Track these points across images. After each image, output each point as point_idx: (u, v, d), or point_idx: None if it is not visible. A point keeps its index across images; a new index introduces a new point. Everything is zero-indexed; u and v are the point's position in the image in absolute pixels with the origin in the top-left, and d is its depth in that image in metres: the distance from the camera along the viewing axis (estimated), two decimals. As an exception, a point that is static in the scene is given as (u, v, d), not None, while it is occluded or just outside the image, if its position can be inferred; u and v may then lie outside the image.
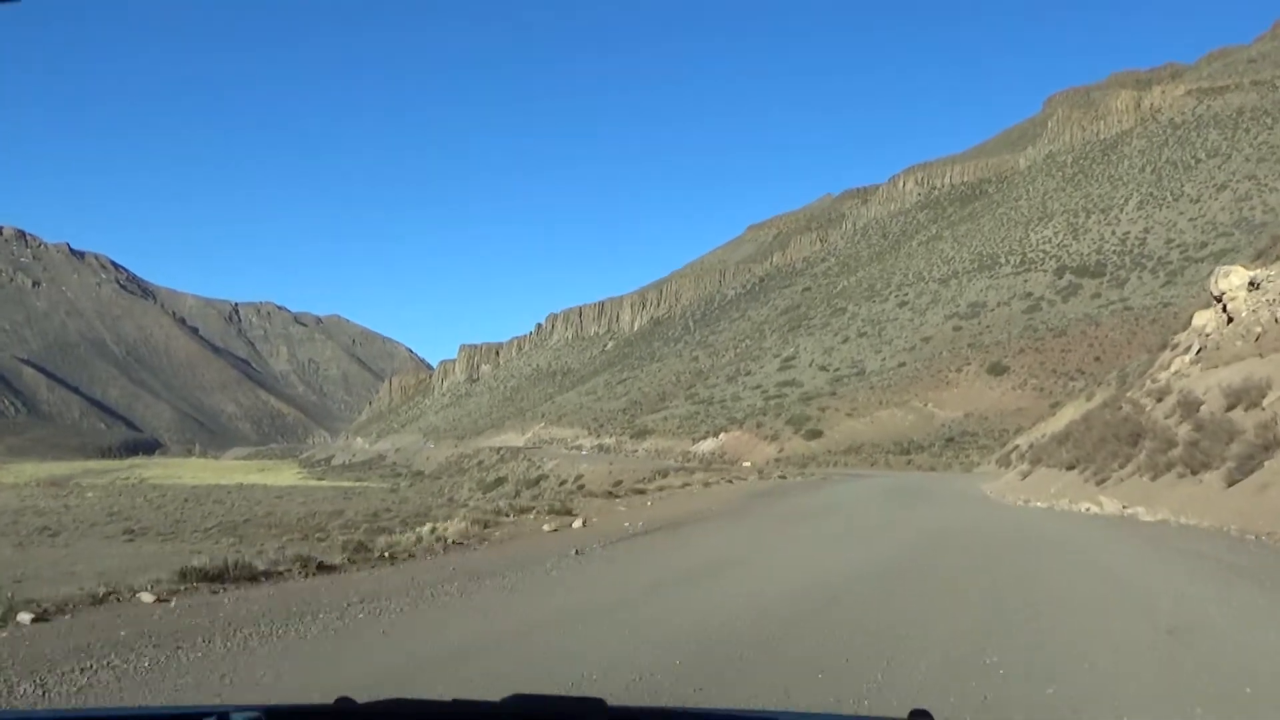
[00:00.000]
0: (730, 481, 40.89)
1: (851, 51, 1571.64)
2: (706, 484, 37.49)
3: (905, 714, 1.79)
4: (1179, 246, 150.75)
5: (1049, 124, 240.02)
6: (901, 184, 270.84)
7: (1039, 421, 62.88)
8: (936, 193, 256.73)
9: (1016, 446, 55.21)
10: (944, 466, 75.41)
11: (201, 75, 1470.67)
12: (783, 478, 49.45)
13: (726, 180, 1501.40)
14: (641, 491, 32.18)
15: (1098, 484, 22.25)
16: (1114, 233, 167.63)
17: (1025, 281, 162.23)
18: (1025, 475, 33.79)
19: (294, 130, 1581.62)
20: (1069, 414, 51.40)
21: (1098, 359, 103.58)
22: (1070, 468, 26.20)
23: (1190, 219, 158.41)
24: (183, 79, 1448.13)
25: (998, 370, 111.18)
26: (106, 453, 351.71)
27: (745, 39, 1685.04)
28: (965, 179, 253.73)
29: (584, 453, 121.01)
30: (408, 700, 1.90)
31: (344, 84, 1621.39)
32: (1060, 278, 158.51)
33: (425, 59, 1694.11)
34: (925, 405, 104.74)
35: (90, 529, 54.47)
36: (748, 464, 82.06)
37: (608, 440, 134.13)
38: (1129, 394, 26.77)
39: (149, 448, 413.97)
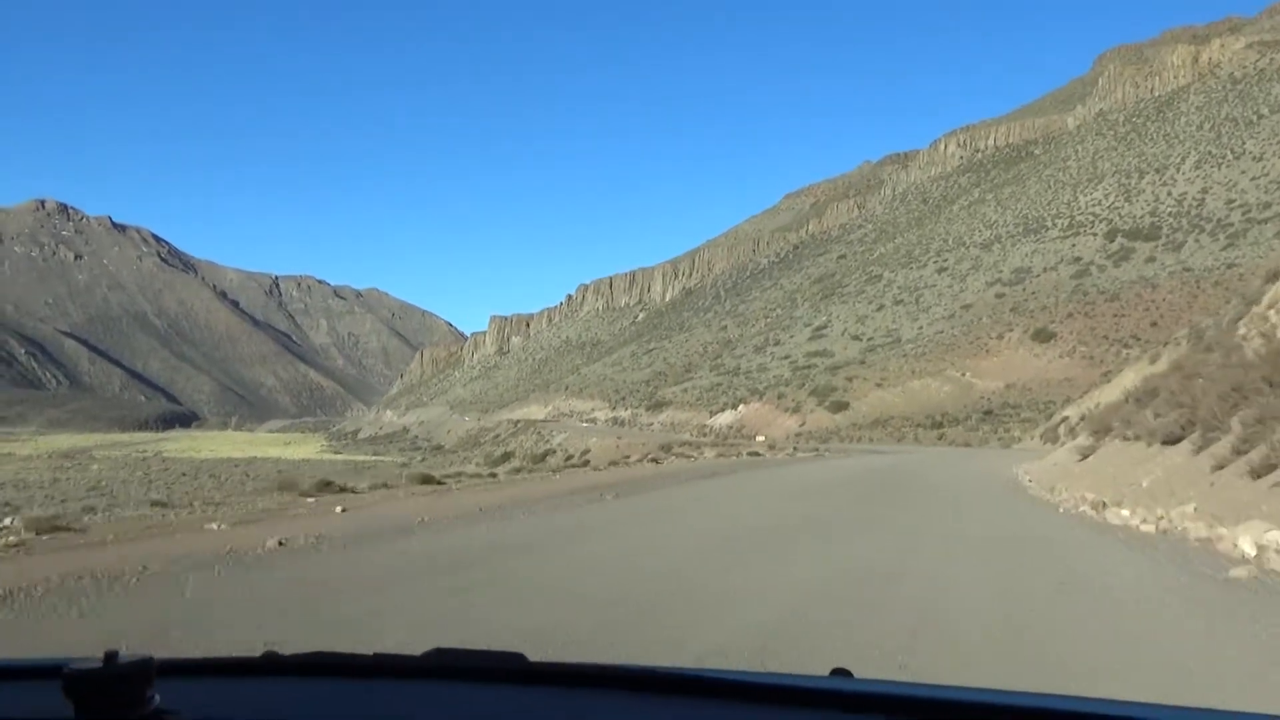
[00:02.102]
0: (654, 461, 33.50)
1: (893, 15, 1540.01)
2: (615, 461, 30.15)
3: (826, 672, 1.80)
4: (1241, 207, 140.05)
5: (1099, 82, 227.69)
6: (943, 147, 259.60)
7: (1091, 390, 54.65)
8: (980, 155, 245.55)
9: (1065, 419, 47.25)
10: (980, 441, 67.52)
11: (241, 50, 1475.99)
12: (755, 455, 41.45)
13: (764, 149, 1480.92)
14: (436, 482, 22.70)
15: (1259, 477, 11.71)
16: (1170, 193, 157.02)
17: (1073, 246, 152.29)
18: (1086, 454, 23.81)
19: (333, 105, 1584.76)
20: (1128, 380, 43.37)
21: (1154, 324, 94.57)
22: (1172, 441, 16.02)
23: (1253, 178, 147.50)
24: (223, 54, 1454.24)
25: (1043, 336, 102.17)
26: (144, 425, 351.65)
27: (783, 6, 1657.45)
28: (1010, 141, 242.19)
29: (596, 425, 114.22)
30: (330, 653, 1.91)
31: (380, 61, 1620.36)
32: (1111, 241, 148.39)
33: (456, 32, 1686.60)
34: (962, 375, 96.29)
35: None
36: (761, 438, 74.90)
37: (623, 413, 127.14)
38: (1239, 333, 18.12)
39: (186, 420, 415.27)
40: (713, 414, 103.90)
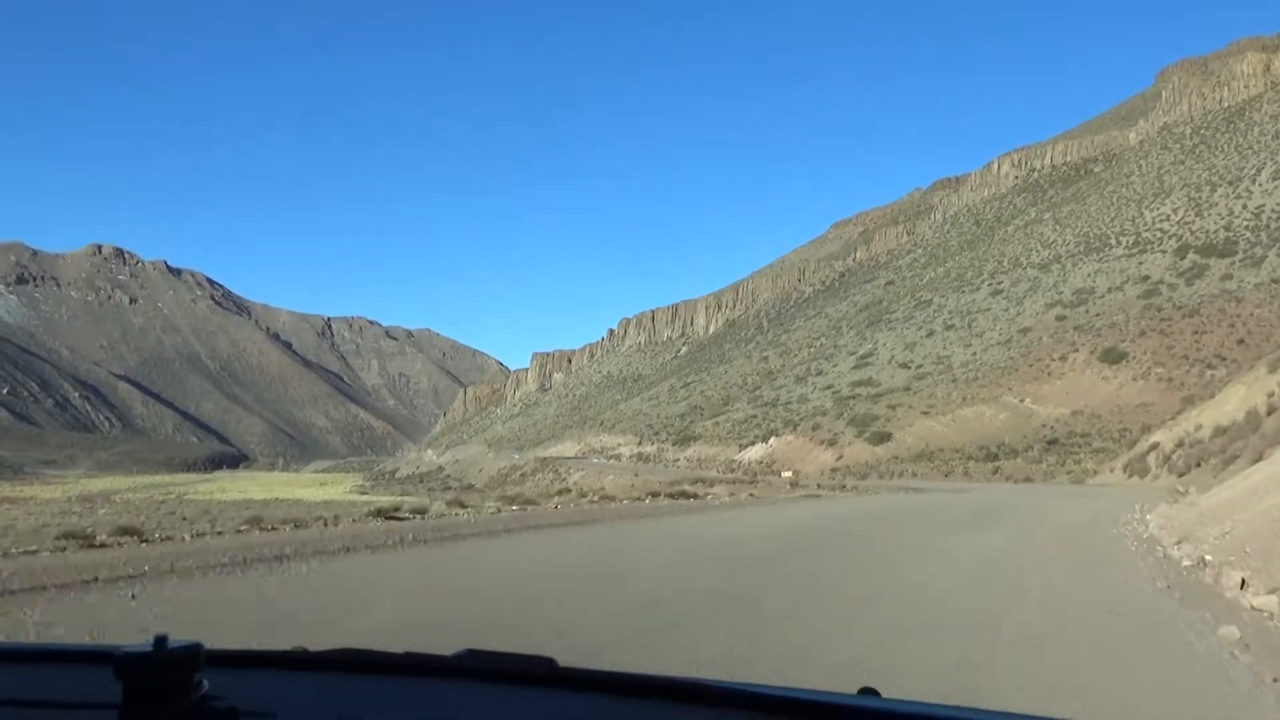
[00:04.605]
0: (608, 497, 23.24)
1: (941, 41, 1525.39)
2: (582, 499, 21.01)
3: (854, 690, 1.84)
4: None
5: (1163, 95, 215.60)
6: (996, 168, 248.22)
7: (1184, 413, 44.40)
8: (1036, 175, 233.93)
9: (1155, 446, 37.39)
10: (1044, 476, 57.22)
11: (293, 98, 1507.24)
12: (689, 496, 28.28)
13: (812, 180, 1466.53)
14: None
15: None
16: (1245, 206, 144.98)
17: (1140, 264, 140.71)
18: None
19: (383, 146, 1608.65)
20: (1238, 395, 33.57)
21: (1241, 342, 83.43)
22: None
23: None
24: (276, 101, 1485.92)
25: (1113, 357, 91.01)
26: (192, 466, 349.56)
27: (833, 38, 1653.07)
28: (1068, 159, 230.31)
29: (621, 462, 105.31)
30: (361, 650, 1.96)
31: (427, 108, 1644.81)
32: (1182, 258, 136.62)
33: (496, 76, 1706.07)
34: (1021, 401, 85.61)
35: None
36: (788, 473, 65.34)
37: (649, 448, 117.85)
38: None
39: (235, 461, 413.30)
40: (742, 448, 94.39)
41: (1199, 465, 30.33)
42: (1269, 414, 27.33)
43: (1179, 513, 16.80)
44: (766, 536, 16.93)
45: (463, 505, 19.92)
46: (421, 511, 17.57)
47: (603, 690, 1.78)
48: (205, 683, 1.37)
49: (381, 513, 16.19)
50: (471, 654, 1.86)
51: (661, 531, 17.71)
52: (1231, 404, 32.95)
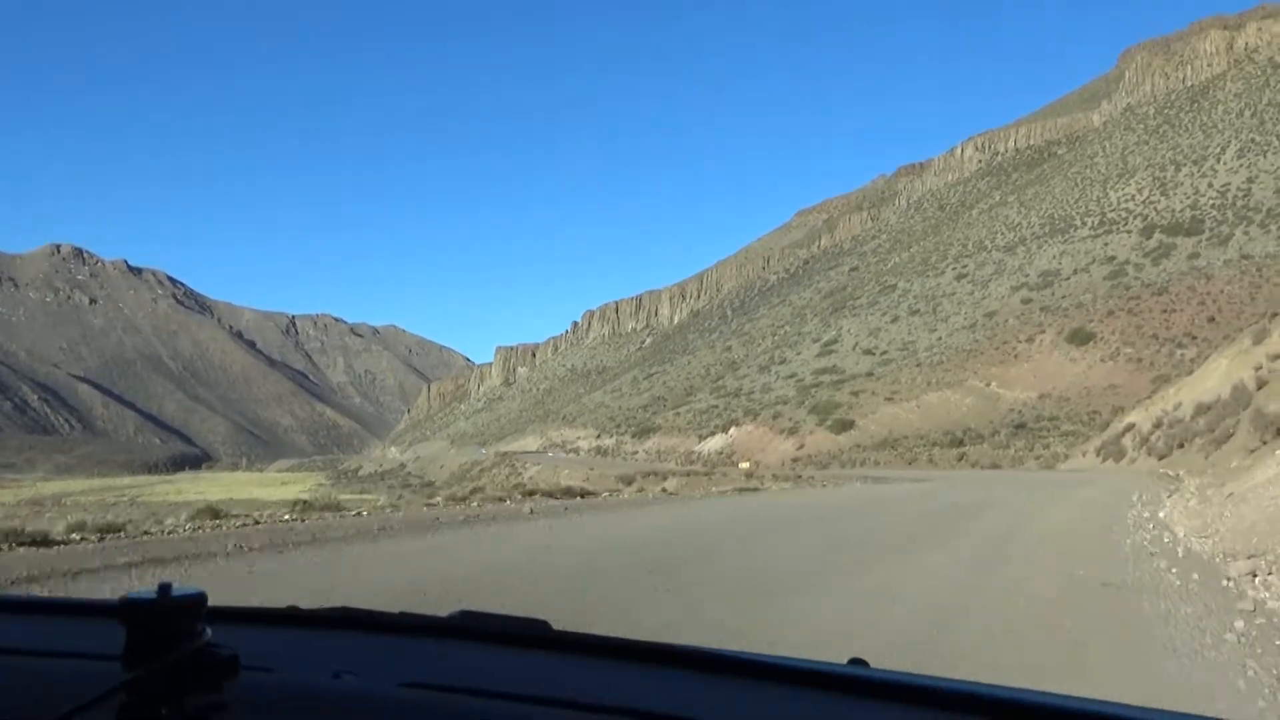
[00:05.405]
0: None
1: (904, 28, 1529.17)
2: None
3: (844, 661, 1.85)
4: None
5: (1126, 76, 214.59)
6: (960, 152, 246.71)
7: (1160, 392, 41.44)
8: (1000, 159, 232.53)
9: (1130, 427, 34.29)
10: (1012, 461, 54.29)
11: (255, 92, 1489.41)
12: (581, 495, 22.07)
13: (777, 168, 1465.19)
14: None
15: None
16: (1210, 185, 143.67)
17: (1106, 245, 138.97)
18: None
19: (345, 144, 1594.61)
20: (1220, 370, 30.53)
21: (1212, 320, 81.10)
22: None
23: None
24: (237, 97, 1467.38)
25: (1081, 338, 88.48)
26: (154, 468, 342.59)
27: (793, 27, 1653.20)
28: (1031, 142, 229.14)
29: (580, 455, 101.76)
30: (355, 609, 1.97)
31: (391, 104, 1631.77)
32: (1148, 238, 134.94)
33: (460, 76, 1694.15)
34: (987, 385, 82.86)
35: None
36: (746, 464, 62.19)
37: (608, 441, 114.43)
38: None
39: (198, 462, 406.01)
40: (702, 439, 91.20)
41: (1181, 446, 27.44)
42: (1259, 388, 24.38)
43: (1210, 511, 12.06)
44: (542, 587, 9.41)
45: (215, 515, 15.87)
46: (116, 529, 13.54)
47: (596, 654, 1.79)
48: (209, 630, 1.37)
49: (11, 535, 11.29)
50: (465, 615, 1.89)
51: (404, 557, 11.59)
52: (1213, 380, 29.93)
